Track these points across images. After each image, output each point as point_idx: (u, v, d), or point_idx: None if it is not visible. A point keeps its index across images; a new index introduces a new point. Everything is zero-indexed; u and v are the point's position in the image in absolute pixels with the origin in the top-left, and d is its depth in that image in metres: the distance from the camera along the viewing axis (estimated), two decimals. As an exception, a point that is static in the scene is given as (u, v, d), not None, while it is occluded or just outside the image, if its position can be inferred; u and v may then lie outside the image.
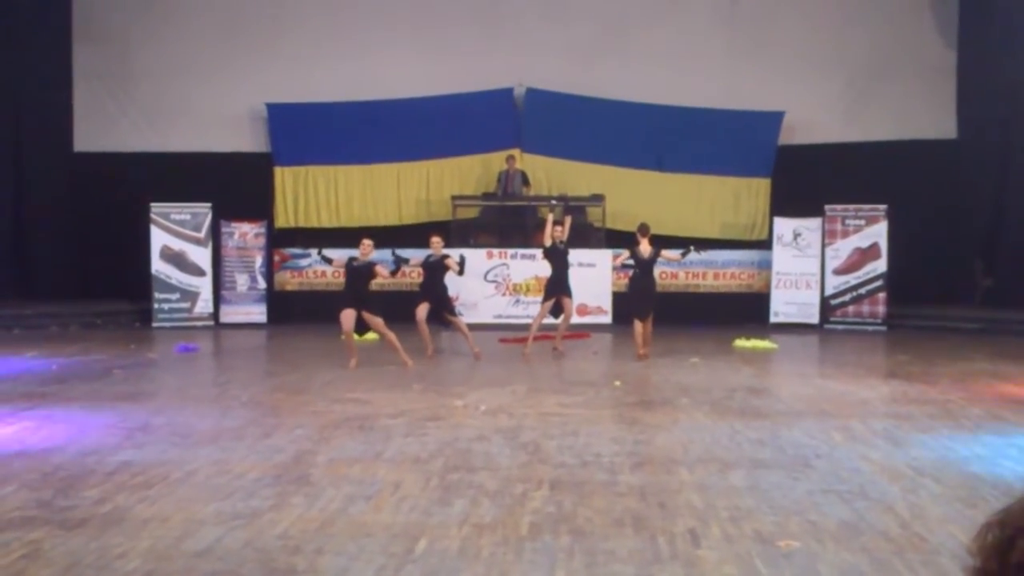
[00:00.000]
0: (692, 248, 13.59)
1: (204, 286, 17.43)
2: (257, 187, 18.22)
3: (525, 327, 14.41)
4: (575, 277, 13.99)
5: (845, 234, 17.33)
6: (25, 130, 18.68)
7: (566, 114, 18.27)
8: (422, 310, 12.98)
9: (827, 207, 17.33)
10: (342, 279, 12.75)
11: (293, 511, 5.84)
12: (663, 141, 18.23)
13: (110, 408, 9.27)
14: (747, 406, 9.49)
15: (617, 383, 10.89)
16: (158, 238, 17.23)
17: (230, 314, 17.60)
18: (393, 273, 12.97)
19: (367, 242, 12.37)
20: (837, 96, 18.26)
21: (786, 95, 17.93)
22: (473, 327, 13.91)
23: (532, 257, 16.17)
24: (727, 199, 18.37)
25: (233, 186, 17.75)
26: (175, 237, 17.35)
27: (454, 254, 13.25)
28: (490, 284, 17.11)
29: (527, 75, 18.11)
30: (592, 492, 6.26)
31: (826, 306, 17.30)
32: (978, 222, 17.96)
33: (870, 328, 16.89)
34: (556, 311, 13.39)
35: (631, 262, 12.98)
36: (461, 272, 13.04)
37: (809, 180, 17.52)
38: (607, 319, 16.92)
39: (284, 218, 18.61)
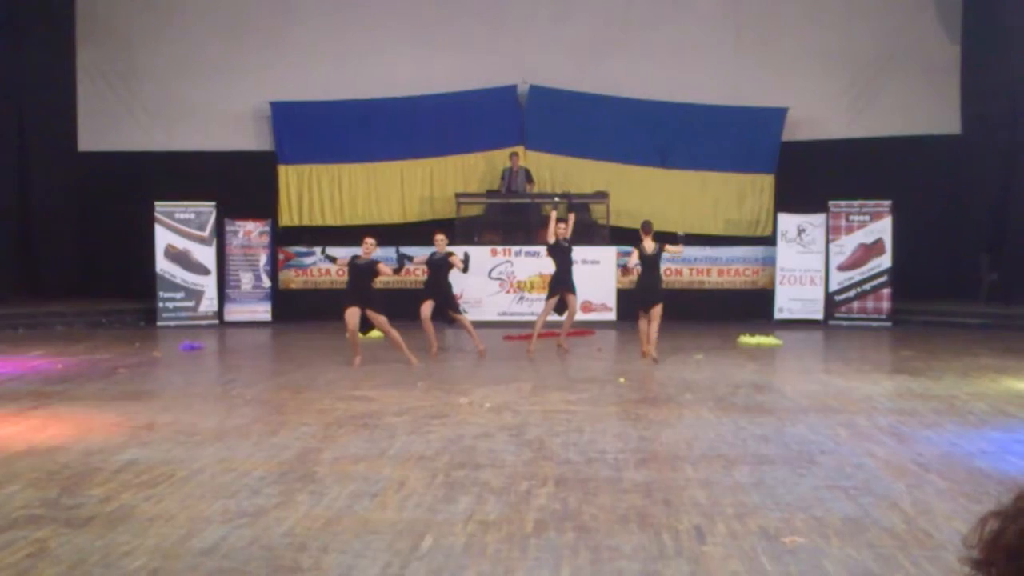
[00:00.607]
0: (679, 233, 13.58)
1: (208, 285, 17.45)
2: (261, 185, 18.23)
3: (530, 324, 14.41)
4: (579, 274, 13.99)
5: (849, 230, 17.31)
6: (29, 129, 18.70)
7: (570, 111, 18.26)
8: (427, 308, 12.99)
9: (831, 203, 17.31)
10: (346, 277, 12.76)
11: (298, 509, 5.85)
12: (667, 138, 18.23)
13: (115, 407, 9.29)
14: (752, 402, 9.49)
15: (622, 380, 10.89)
16: (162, 237, 17.25)
17: (234, 312, 17.62)
18: (397, 271, 12.98)
19: (370, 240, 12.37)
20: (841, 92, 18.24)
21: (790, 91, 17.91)
22: (478, 324, 13.92)
23: (536, 254, 16.17)
24: (731, 195, 18.35)
25: (237, 185, 17.76)
26: (179, 236, 17.36)
27: (458, 252, 13.25)
28: (494, 281, 17.12)
29: (531, 72, 18.10)
30: (597, 489, 6.27)
31: (830, 302, 17.28)
32: (983, 217, 17.93)
33: (875, 324, 16.87)
34: (560, 308, 13.38)
35: (637, 261, 12.90)
36: (466, 269, 13.04)
37: (813, 176, 17.51)
38: (611, 316, 16.92)
39: (288, 216, 18.61)
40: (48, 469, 6.84)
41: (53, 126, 18.78)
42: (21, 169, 18.66)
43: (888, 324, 16.86)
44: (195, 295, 17.37)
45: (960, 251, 17.88)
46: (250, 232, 17.82)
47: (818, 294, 17.27)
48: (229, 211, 17.58)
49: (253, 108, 18.66)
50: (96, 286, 18.45)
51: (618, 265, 16.28)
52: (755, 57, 18.28)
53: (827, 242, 17.30)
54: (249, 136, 18.86)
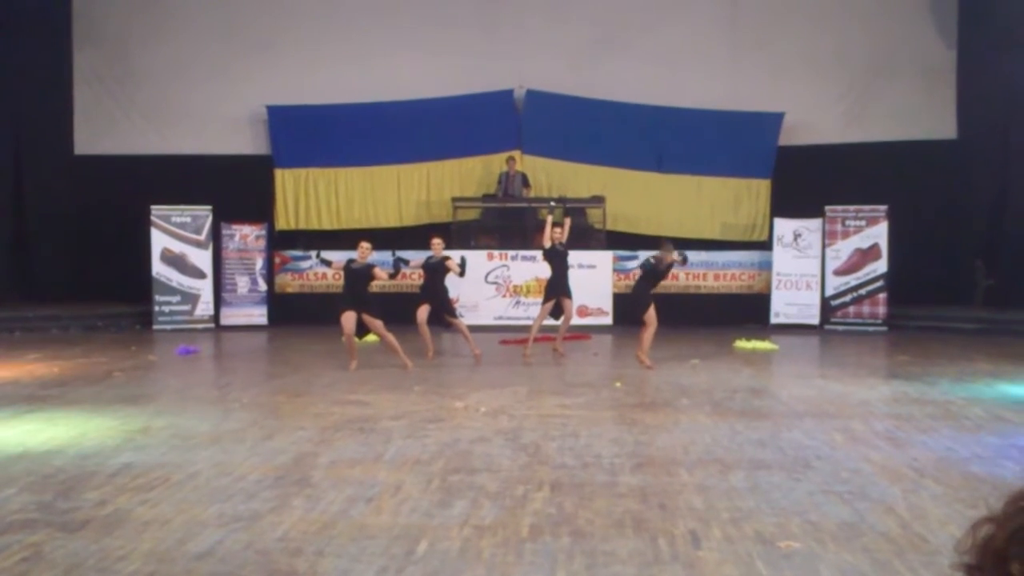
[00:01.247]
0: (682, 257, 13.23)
1: (205, 288, 17.44)
2: (258, 189, 18.24)
3: (526, 328, 14.40)
4: (575, 278, 13.99)
5: (845, 235, 17.34)
6: (26, 133, 18.69)
7: (566, 116, 18.28)
8: (423, 312, 12.99)
9: (827, 208, 17.33)
10: (342, 281, 12.75)
11: (294, 513, 5.84)
12: (663, 142, 18.24)
13: (111, 410, 9.27)
14: (748, 407, 9.49)
15: (618, 384, 10.89)
16: (159, 240, 17.23)
17: (231, 316, 17.61)
18: (393, 275, 12.97)
19: (365, 244, 12.36)
20: (837, 97, 18.27)
21: (786, 96, 17.94)
22: (474, 329, 13.91)
23: (532, 259, 16.17)
24: (727, 200, 18.37)
25: (234, 188, 17.76)
26: (176, 239, 17.35)
27: (455, 256, 13.25)
28: (491, 286, 17.12)
29: (527, 77, 18.12)
30: (593, 493, 6.27)
31: (827, 307, 17.30)
32: (978, 222, 17.95)
33: (871, 329, 16.89)
34: (556, 312, 13.38)
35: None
36: (462, 274, 13.03)
37: (809, 181, 17.52)
38: (608, 320, 16.93)
39: (285, 220, 18.61)
40: (43, 473, 6.83)
41: (49, 129, 18.77)
42: (17, 172, 18.65)
43: (884, 329, 16.88)
44: (191, 299, 17.36)
45: (956, 256, 17.90)
46: (246, 236, 17.81)
47: (814, 299, 17.29)
48: (225, 215, 17.58)
49: (250, 112, 18.66)
50: (92, 290, 18.42)
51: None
52: (752, 62, 18.31)
53: (823, 247, 17.32)
54: (246, 140, 18.86)
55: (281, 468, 6.97)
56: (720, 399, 9.93)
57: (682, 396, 10.10)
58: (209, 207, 17.43)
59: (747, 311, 17.29)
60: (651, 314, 12.27)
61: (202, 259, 17.45)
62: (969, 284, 17.85)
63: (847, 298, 17.25)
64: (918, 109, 18.01)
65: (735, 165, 18.19)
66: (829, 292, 17.30)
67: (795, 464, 7.08)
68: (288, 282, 18.18)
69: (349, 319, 12.01)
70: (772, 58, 18.28)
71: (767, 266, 17.57)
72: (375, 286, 12.63)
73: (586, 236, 17.08)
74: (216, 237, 17.53)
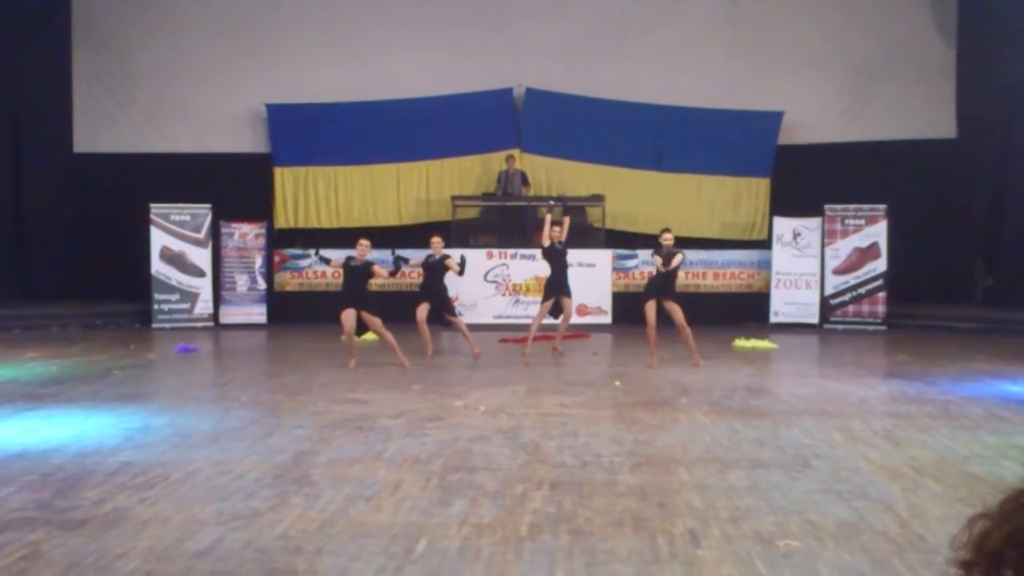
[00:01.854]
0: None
1: (204, 287, 17.44)
2: (257, 188, 18.24)
3: (525, 327, 14.40)
4: (575, 277, 13.99)
5: (845, 234, 17.34)
6: (25, 131, 18.69)
7: (566, 114, 18.29)
8: (422, 310, 12.99)
9: (827, 207, 17.34)
10: (341, 280, 12.75)
11: (293, 512, 5.84)
12: (663, 141, 18.25)
13: (110, 409, 9.27)
14: (747, 406, 9.49)
15: (617, 383, 10.89)
16: (158, 239, 17.23)
17: (230, 315, 17.61)
18: (393, 273, 12.97)
19: (364, 242, 12.36)
20: (836, 96, 18.28)
21: (785, 95, 17.94)
22: (473, 327, 13.92)
23: (532, 257, 16.17)
24: (727, 199, 18.38)
25: (233, 187, 17.76)
26: (175, 238, 17.35)
27: (454, 254, 13.25)
28: (490, 284, 17.12)
29: (527, 75, 18.12)
30: (592, 492, 6.26)
31: (826, 306, 17.31)
32: (978, 221, 17.96)
33: (870, 328, 16.90)
34: (556, 311, 13.38)
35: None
36: (462, 272, 13.03)
37: (809, 180, 17.53)
38: (607, 319, 16.93)
39: (284, 219, 18.61)
40: (42, 471, 6.83)
41: (49, 128, 18.77)
42: (16, 170, 18.64)
43: (883, 328, 16.89)
44: (190, 297, 17.35)
45: (955, 255, 17.91)
46: (246, 234, 17.81)
47: (813, 298, 17.30)
48: (225, 213, 17.58)
49: (249, 110, 18.66)
50: (91, 288, 18.42)
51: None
52: (751, 61, 18.31)
53: (822, 246, 17.33)
54: (245, 138, 18.86)
55: (280, 466, 6.96)
56: (719, 398, 9.93)
57: (681, 395, 10.10)
58: (208, 205, 17.44)
59: (746, 310, 17.30)
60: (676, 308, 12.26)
61: (201, 257, 17.45)
62: (968, 283, 17.87)
63: (846, 297, 17.26)
64: (917, 108, 18.01)
65: (734, 164, 18.20)
66: (828, 291, 17.31)
67: (794, 463, 7.08)
68: (287, 280, 18.18)
69: (349, 317, 12.01)
70: (771, 57, 18.28)
71: (766, 265, 17.58)
72: (374, 284, 12.63)
73: (585, 235, 17.08)
74: (215, 235, 17.53)
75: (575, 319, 14.75)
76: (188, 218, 17.43)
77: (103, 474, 6.74)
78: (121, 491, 6.30)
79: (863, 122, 18.14)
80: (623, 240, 17.85)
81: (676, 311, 12.29)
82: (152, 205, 17.18)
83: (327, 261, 13.32)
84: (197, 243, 17.44)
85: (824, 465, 7.03)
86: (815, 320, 17.22)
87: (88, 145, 18.81)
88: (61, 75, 18.77)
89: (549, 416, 8.89)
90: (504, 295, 17.16)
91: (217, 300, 17.56)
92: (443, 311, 13.13)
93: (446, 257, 13.06)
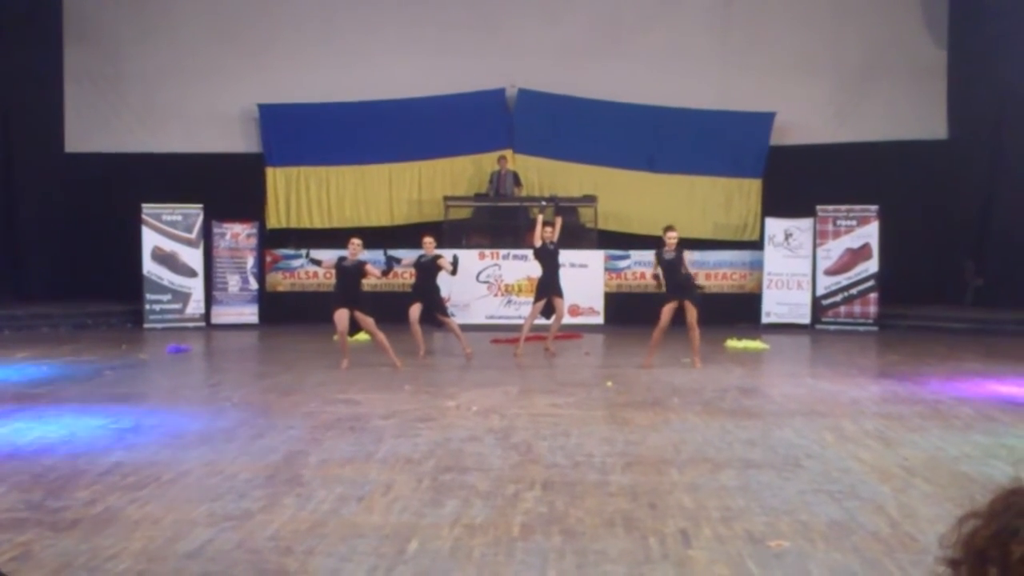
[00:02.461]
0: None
1: (196, 287, 17.40)
2: (249, 188, 18.19)
3: (517, 328, 14.40)
4: (567, 278, 13.99)
5: (836, 235, 17.38)
6: (16, 130, 18.63)
7: (558, 115, 18.29)
8: (415, 310, 12.98)
9: (818, 208, 17.37)
10: (333, 279, 12.74)
11: (284, 512, 5.83)
12: (655, 142, 18.27)
13: (101, 409, 9.25)
14: (738, 406, 9.51)
15: (609, 384, 10.91)
16: (149, 239, 17.19)
17: (222, 315, 17.58)
18: (385, 273, 12.96)
19: (356, 241, 12.35)
20: (828, 97, 18.31)
21: (777, 96, 17.96)
22: (465, 328, 13.91)
23: (524, 258, 16.15)
24: (719, 199, 18.41)
25: (225, 187, 17.71)
26: (167, 238, 17.31)
27: (447, 255, 13.24)
28: (482, 285, 17.12)
29: (519, 76, 18.12)
30: (583, 493, 6.27)
31: (817, 306, 17.34)
32: (968, 222, 18.01)
33: (861, 328, 16.93)
34: (548, 312, 13.38)
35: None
36: (454, 272, 13.03)
37: (800, 181, 17.55)
38: (599, 320, 16.94)
39: (276, 219, 18.59)
40: (33, 472, 6.81)
41: (40, 127, 18.71)
42: (7, 170, 18.59)
43: (874, 328, 16.93)
44: (182, 297, 17.32)
45: (946, 256, 17.96)
46: (237, 234, 17.78)
47: (805, 298, 17.33)
48: (216, 213, 17.54)
49: (241, 110, 18.63)
50: (82, 288, 18.38)
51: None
52: (743, 62, 18.33)
53: (814, 246, 17.36)
54: (237, 138, 18.83)
55: (272, 467, 6.96)
56: (711, 398, 9.94)
57: (673, 395, 10.11)
58: (200, 205, 17.40)
59: (738, 311, 17.31)
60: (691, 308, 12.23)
61: (193, 257, 17.42)
62: (959, 284, 17.92)
63: (838, 298, 17.29)
64: (909, 109, 18.05)
65: (726, 165, 18.23)
66: (820, 292, 17.34)
67: (785, 463, 7.10)
68: (279, 281, 18.15)
69: (342, 317, 12.00)
70: (763, 58, 18.30)
71: (758, 265, 17.61)
72: (366, 284, 12.62)
73: (577, 235, 17.09)
74: (207, 235, 17.49)
75: (567, 319, 14.75)
76: (180, 218, 17.39)
77: (94, 474, 6.73)
78: (112, 492, 6.29)
79: (855, 123, 18.17)
80: (615, 241, 17.86)
81: (692, 312, 12.24)
82: (144, 205, 17.14)
83: (318, 263, 13.30)
84: (189, 243, 17.40)
85: (815, 465, 7.04)
86: (807, 321, 17.25)
87: (79, 145, 18.76)
88: (52, 74, 18.72)
89: (541, 416, 8.89)
90: (496, 295, 17.16)
91: (209, 300, 17.53)
92: (435, 311, 13.12)
93: (438, 257, 13.05)
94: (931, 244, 17.85)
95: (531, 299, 14.32)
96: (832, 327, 17.08)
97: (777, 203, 17.59)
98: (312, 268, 16.75)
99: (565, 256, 13.96)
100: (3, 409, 9.29)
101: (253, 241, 17.86)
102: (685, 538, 5.35)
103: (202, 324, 17.31)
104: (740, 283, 17.90)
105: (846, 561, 4.99)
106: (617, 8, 18.71)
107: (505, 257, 17.18)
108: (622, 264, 17.64)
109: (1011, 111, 17.12)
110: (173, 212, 17.39)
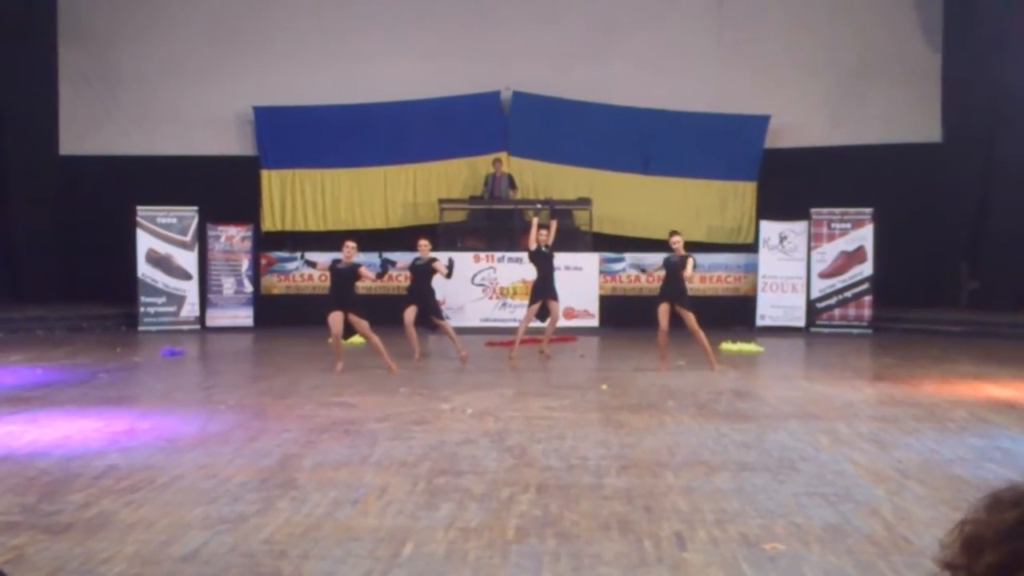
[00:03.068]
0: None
1: (190, 290, 17.39)
2: (244, 190, 18.19)
3: (512, 330, 14.39)
4: (562, 280, 14.00)
5: (831, 237, 17.40)
6: (10, 133, 18.61)
7: (553, 117, 18.31)
8: (410, 313, 12.97)
9: (813, 211, 17.39)
10: (328, 282, 12.73)
11: (279, 515, 5.83)
12: (649, 144, 18.29)
13: (95, 412, 9.23)
14: (733, 409, 9.51)
15: (604, 387, 10.91)
16: (144, 242, 17.18)
17: (216, 318, 17.56)
18: (380, 276, 12.95)
19: (350, 244, 12.35)
20: (823, 100, 18.34)
21: (772, 99, 17.99)
22: (460, 330, 13.91)
23: (519, 260, 16.17)
24: (713, 202, 18.42)
25: (220, 189, 17.71)
26: (161, 241, 17.30)
27: (442, 257, 13.24)
28: (477, 287, 17.11)
29: (514, 78, 18.14)
30: (578, 495, 6.27)
31: (812, 309, 17.36)
32: (963, 225, 18.04)
33: (856, 331, 16.95)
34: (543, 314, 13.38)
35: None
36: (450, 275, 13.03)
37: (795, 184, 17.57)
38: (594, 322, 16.95)
39: (271, 221, 18.58)
40: (27, 475, 6.80)
41: (34, 129, 18.70)
42: (1, 173, 18.55)
43: (869, 331, 16.95)
44: (177, 300, 17.30)
45: (940, 258, 17.99)
46: (232, 237, 17.76)
47: (800, 301, 17.34)
48: (211, 216, 17.53)
49: (236, 113, 18.62)
50: (77, 290, 18.35)
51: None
52: (738, 65, 18.36)
53: (809, 249, 17.38)
54: (232, 141, 18.82)
55: (266, 470, 6.95)
56: (705, 401, 9.95)
57: (668, 398, 10.12)
58: (195, 208, 17.39)
59: (733, 314, 17.32)
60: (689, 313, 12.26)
61: (188, 260, 17.40)
62: (953, 286, 17.95)
63: (832, 300, 17.31)
64: (903, 112, 18.09)
65: (721, 167, 18.25)
66: (815, 295, 17.36)
67: (780, 466, 7.10)
68: (274, 283, 18.14)
69: (336, 320, 11.99)
70: (758, 61, 18.34)
71: (753, 268, 17.62)
72: (361, 287, 12.60)
73: (572, 238, 17.09)
74: (202, 238, 17.48)
75: (562, 322, 14.76)
76: (175, 221, 17.38)
77: (88, 478, 6.71)
78: (106, 495, 6.27)
79: (849, 126, 18.21)
80: (610, 243, 17.87)
81: (689, 317, 12.27)
82: (138, 208, 17.13)
83: (313, 265, 13.29)
84: (184, 246, 17.39)
85: (810, 468, 7.05)
86: (801, 323, 17.27)
87: (74, 147, 18.74)
88: (47, 76, 18.69)
89: (536, 419, 8.89)
90: (491, 298, 17.16)
91: (204, 303, 17.51)
92: (430, 314, 13.12)
93: (433, 260, 13.05)
94: (925, 247, 17.88)
95: (526, 302, 14.32)
96: (827, 330, 17.10)
97: (772, 206, 17.61)
98: (308, 270, 16.76)
99: (560, 259, 13.96)
100: (-3, 412, 9.27)
101: (248, 244, 17.84)
102: (680, 541, 5.35)
103: (197, 327, 17.29)
104: (735, 286, 17.92)
105: (841, 564, 4.99)
106: (611, 11, 18.73)
107: (500, 260, 17.18)
108: (617, 267, 17.65)
109: (1005, 114, 17.15)
110: (168, 214, 17.38)
